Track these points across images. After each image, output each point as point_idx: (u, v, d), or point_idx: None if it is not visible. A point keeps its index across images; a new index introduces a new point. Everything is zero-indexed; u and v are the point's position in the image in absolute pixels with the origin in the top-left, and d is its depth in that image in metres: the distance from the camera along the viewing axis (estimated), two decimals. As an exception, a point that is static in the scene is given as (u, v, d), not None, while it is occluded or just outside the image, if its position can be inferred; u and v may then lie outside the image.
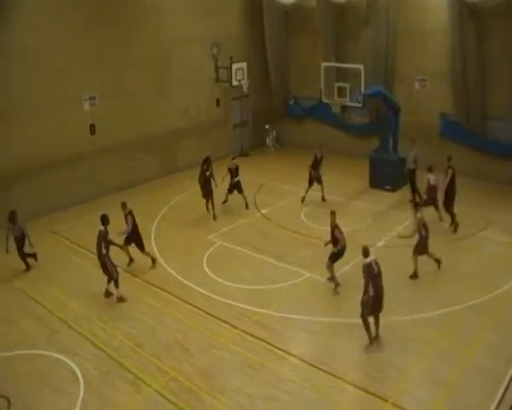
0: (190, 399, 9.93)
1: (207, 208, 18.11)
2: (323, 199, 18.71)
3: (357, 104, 20.52)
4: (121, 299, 13.35)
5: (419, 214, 13.47)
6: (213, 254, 15.46)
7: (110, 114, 20.80)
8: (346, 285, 13.19)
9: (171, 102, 22.79)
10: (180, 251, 15.80)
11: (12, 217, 15.11)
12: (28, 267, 15.38)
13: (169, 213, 18.74)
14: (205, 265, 14.86)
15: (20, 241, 15.15)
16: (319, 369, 10.53)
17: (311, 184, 18.64)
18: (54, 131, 19.22)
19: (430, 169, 16.05)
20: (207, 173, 17.69)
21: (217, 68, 24.15)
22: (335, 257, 13.05)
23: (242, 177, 18.39)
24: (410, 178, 18.27)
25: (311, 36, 24.41)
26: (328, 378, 10.31)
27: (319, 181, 18.64)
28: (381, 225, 16.76)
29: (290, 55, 25.75)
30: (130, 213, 14.68)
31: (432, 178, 15.98)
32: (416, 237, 13.52)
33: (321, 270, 13.67)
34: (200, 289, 13.62)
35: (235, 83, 24.04)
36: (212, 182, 17.83)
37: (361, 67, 19.85)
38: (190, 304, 13.04)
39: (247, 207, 18.68)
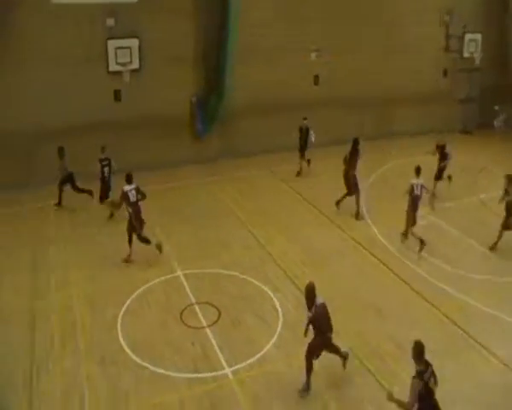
0: (378, 363, 9.58)
1: (343, 198, 15.23)
2: None
3: None
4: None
5: None
6: (422, 229, 14.56)
7: (334, 68, 20.61)
8: None
9: (394, 65, 21.63)
10: (389, 217, 15.00)
11: (59, 152, 15.35)
12: (91, 193, 15.54)
13: (381, 177, 18.04)
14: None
15: (69, 179, 15.42)
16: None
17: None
18: (280, 78, 19.66)
19: None
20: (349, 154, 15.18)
21: (447, 37, 22.26)
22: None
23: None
24: None
25: None
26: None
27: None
28: None
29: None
30: (101, 160, 14.73)
31: None
32: None
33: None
34: (404, 260, 12.98)
35: (466, 54, 22.05)
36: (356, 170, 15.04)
37: None
38: (392, 271, 12.52)
39: (298, 174, 17.74)
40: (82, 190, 15.80)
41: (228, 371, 9.41)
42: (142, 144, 18.73)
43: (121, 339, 10.20)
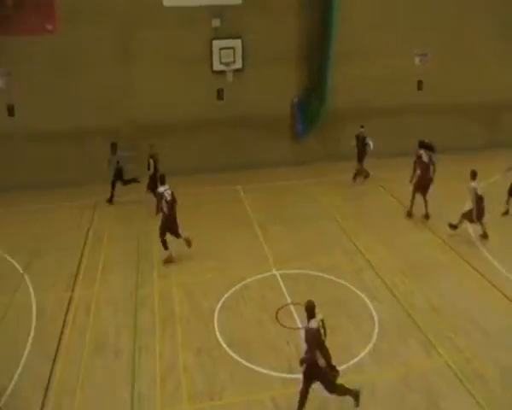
0: (483, 389, 8.88)
1: (412, 199, 14.99)
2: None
3: None
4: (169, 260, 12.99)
5: None
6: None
7: (439, 73, 19.79)
8: None
9: (506, 70, 20.26)
10: (491, 230, 13.99)
11: (112, 148, 16.19)
12: (111, 200, 16.54)
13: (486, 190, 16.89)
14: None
15: (119, 171, 16.33)
16: None
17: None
18: (382, 81, 19.17)
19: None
20: (425, 159, 14.61)
21: None
22: None
23: None
24: None
25: None
26: None
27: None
28: None
29: None
30: (152, 157, 15.45)
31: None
32: None
33: None
34: (508, 274, 12.12)
35: None
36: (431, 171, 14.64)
37: None
38: (495, 286, 11.73)
39: (365, 176, 17.29)
40: (129, 182, 16.69)
41: (322, 374, 9.28)
42: (242, 143, 19.06)
43: (217, 333, 10.41)
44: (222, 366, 9.54)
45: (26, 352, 10.11)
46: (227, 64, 18.59)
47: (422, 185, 14.76)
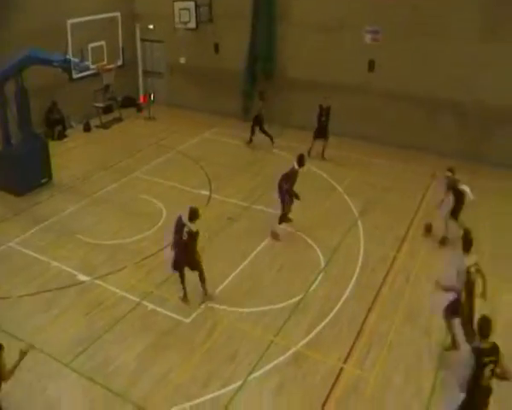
0: None
1: None
2: None
3: None
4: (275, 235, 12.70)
5: None
6: None
7: None
8: None
9: None
10: None
11: (260, 95, 17.73)
12: (251, 140, 17.87)
13: None
14: None
15: (258, 118, 17.61)
16: None
17: None
18: None
19: None
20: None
21: None
22: None
23: None
24: None
25: None
26: None
27: None
28: None
29: None
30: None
31: None
32: None
33: None
34: None
35: None
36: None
37: None
38: None
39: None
40: (266, 133, 17.71)
41: None
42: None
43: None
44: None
45: (347, 292, 10.88)
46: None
47: None
